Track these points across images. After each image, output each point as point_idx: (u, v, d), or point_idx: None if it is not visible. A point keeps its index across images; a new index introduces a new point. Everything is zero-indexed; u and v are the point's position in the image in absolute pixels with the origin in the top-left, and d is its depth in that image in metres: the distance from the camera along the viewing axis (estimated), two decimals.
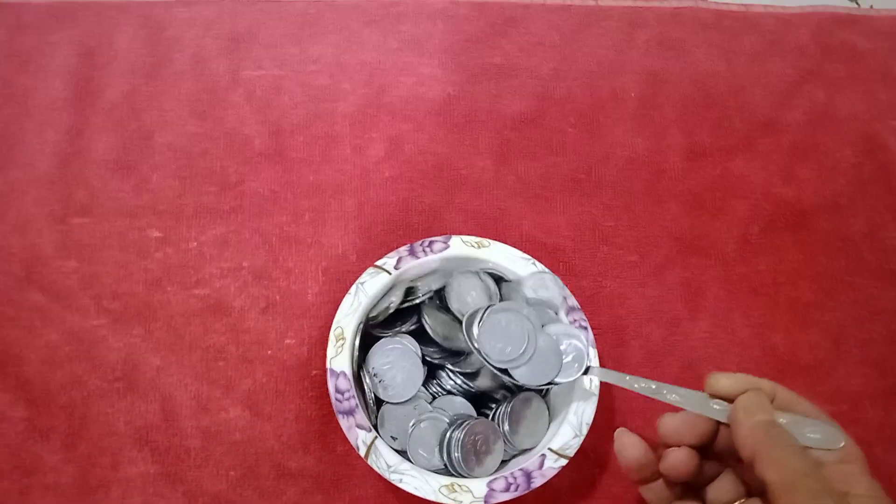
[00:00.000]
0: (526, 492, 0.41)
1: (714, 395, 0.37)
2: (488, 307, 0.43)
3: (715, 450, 0.38)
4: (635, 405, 0.50)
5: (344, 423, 0.42)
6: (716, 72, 0.60)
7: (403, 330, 0.46)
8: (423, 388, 0.45)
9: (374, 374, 0.44)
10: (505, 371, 0.43)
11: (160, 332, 0.49)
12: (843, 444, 0.34)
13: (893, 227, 0.57)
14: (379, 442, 0.42)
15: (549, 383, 0.43)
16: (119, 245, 0.51)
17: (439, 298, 0.47)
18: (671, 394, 0.38)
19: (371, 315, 0.45)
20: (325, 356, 0.44)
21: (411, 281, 0.47)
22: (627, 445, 0.38)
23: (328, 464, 0.47)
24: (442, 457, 0.43)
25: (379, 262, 0.46)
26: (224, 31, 0.58)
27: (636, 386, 0.39)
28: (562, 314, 0.46)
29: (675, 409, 0.38)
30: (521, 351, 0.43)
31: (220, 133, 0.54)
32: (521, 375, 0.43)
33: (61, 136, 0.53)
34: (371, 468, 0.41)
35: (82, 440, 0.46)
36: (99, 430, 0.47)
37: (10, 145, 0.53)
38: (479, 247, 0.47)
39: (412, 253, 0.47)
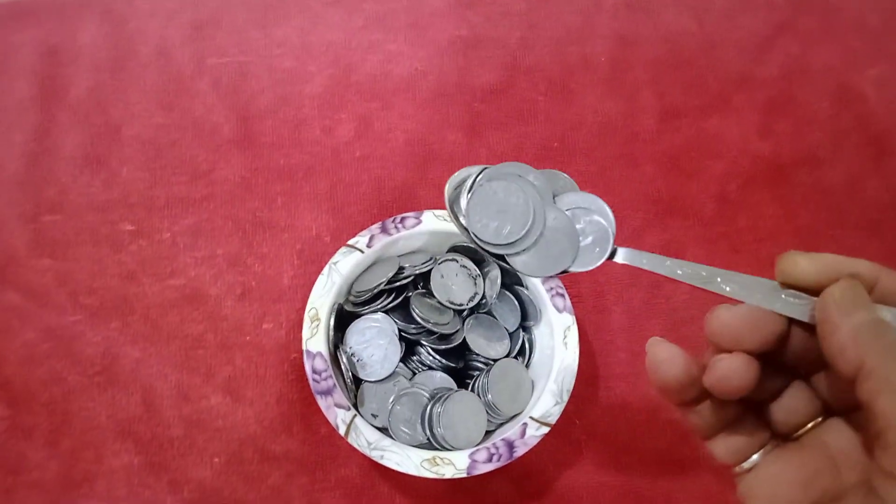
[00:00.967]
0: (509, 461, 0.41)
1: (788, 285, 0.28)
2: (482, 171, 0.34)
3: (784, 359, 0.28)
4: (619, 371, 0.50)
5: (322, 402, 0.42)
6: (687, 31, 0.60)
7: (388, 306, 0.45)
8: (402, 365, 0.45)
9: (352, 354, 0.44)
10: (502, 258, 0.33)
11: (138, 325, 0.49)
12: None
13: (873, 177, 0.56)
14: (359, 420, 0.42)
15: (563, 272, 0.32)
16: (92, 240, 0.51)
17: (425, 286, 0.46)
18: (727, 283, 0.29)
19: (358, 290, 0.45)
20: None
21: (399, 257, 0.46)
22: (665, 360, 0.28)
23: (312, 445, 0.47)
24: (424, 432, 0.43)
25: (351, 241, 0.46)
26: (187, 19, 0.57)
27: (679, 272, 0.30)
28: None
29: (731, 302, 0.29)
30: (525, 231, 0.32)
31: (188, 122, 0.54)
32: (524, 264, 0.33)
33: (28, 136, 0.53)
34: (354, 448, 0.41)
35: (65, 436, 0.46)
36: (81, 424, 0.46)
37: None
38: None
39: (384, 230, 0.46)
